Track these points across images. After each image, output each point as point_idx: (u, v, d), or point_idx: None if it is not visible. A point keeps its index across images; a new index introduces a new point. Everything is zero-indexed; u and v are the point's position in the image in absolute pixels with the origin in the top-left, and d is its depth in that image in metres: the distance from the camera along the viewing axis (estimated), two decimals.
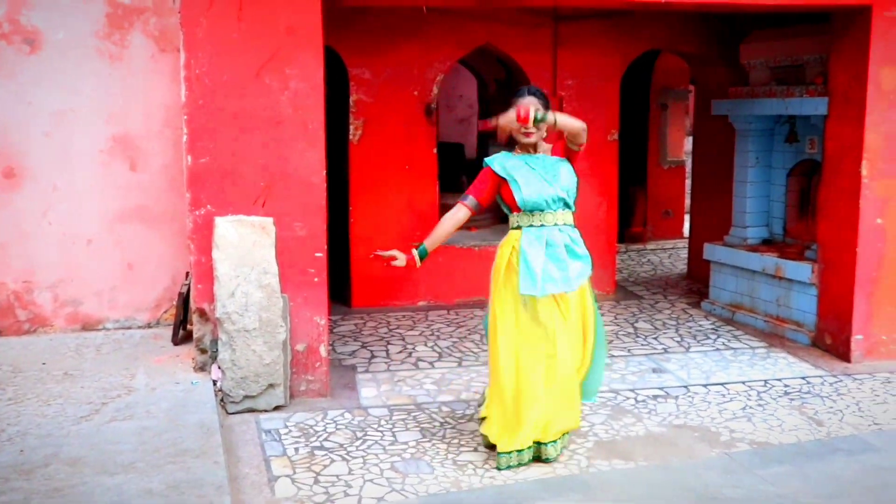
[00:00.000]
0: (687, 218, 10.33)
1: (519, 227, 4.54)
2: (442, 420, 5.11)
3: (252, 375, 5.02)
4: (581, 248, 4.55)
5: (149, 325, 6.35)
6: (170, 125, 6.22)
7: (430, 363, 6.20)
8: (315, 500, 4.08)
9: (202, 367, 5.30)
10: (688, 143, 11.60)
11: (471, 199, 4.63)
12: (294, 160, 5.23)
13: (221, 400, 5.05)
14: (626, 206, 10.94)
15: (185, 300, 5.85)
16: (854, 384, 5.77)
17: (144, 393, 4.98)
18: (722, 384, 5.78)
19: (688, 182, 10.92)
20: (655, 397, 5.51)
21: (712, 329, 7.16)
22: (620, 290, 8.55)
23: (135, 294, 6.33)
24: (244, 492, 4.11)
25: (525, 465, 4.45)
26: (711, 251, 7.65)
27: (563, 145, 4.58)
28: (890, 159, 5.99)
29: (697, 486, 4.18)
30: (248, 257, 5.03)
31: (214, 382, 5.13)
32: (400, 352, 6.46)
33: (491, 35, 7.76)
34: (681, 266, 9.83)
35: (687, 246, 9.58)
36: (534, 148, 4.57)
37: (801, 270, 6.62)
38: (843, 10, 6.00)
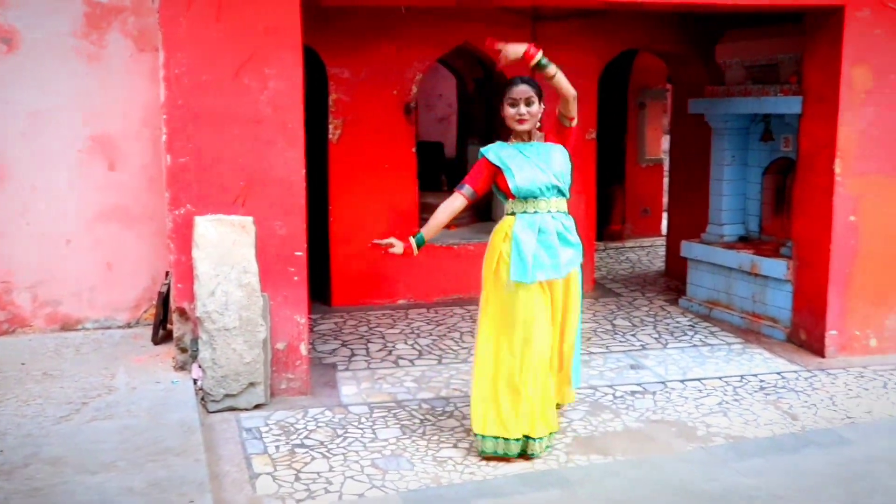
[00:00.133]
0: (665, 216, 10.41)
1: (513, 214, 4.60)
2: (422, 417, 5.14)
3: (232, 374, 5.04)
4: (573, 236, 4.63)
5: (128, 325, 6.35)
6: (148, 125, 6.22)
7: (410, 361, 6.24)
8: (296, 497, 4.11)
9: (182, 367, 5.31)
10: (665, 142, 11.68)
11: (467, 188, 4.68)
12: (273, 159, 5.25)
13: (202, 399, 5.06)
14: (605, 205, 11.02)
15: (164, 300, 5.85)
16: (828, 379, 5.85)
17: (125, 392, 4.99)
18: (699, 380, 5.85)
19: (666, 180, 11.00)
20: (633, 393, 5.57)
21: (689, 326, 7.23)
22: (599, 288, 8.62)
23: (114, 294, 6.33)
24: (225, 489, 4.13)
25: (511, 455, 4.49)
26: (688, 249, 7.73)
27: (556, 129, 4.65)
28: (862, 157, 6.08)
29: (674, 479, 4.23)
30: (228, 256, 5.04)
31: (195, 381, 5.14)
32: (380, 350, 6.49)
33: (470, 34, 7.79)
34: (659, 263, 9.91)
35: (665, 244, 9.66)
36: (528, 136, 4.63)
37: (777, 267, 6.70)
38: (816, 10, 6.08)
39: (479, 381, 4.61)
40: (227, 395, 5.06)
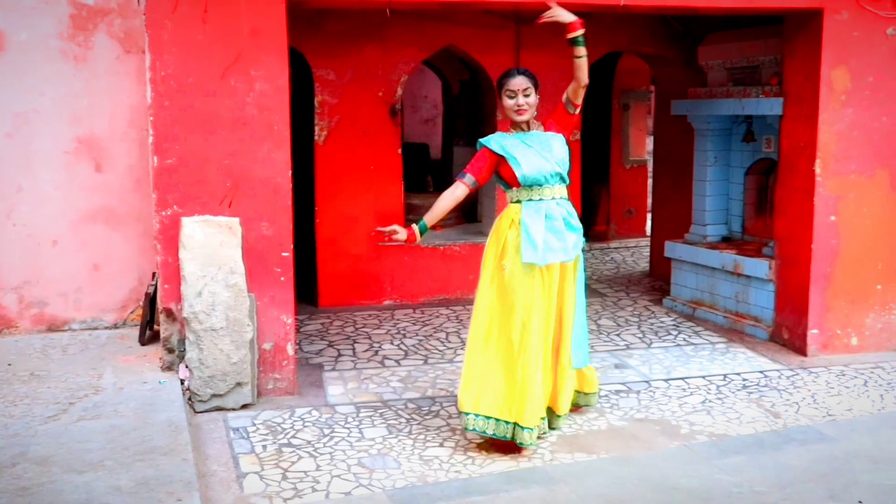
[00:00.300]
0: (649, 216, 10.48)
1: (518, 202, 4.70)
2: (408, 417, 5.18)
3: (220, 374, 5.06)
4: (576, 221, 4.76)
5: (115, 326, 6.36)
6: (135, 126, 6.24)
7: (397, 361, 6.27)
8: (283, 495, 4.13)
9: (170, 367, 5.33)
10: (649, 143, 11.75)
11: (469, 178, 4.76)
12: (260, 161, 5.28)
13: (189, 399, 5.08)
14: (590, 206, 11.07)
15: (151, 300, 5.87)
16: (810, 377, 5.93)
17: (112, 392, 5.00)
18: (682, 379, 5.91)
19: (650, 181, 11.07)
20: (618, 392, 5.62)
21: (673, 325, 7.30)
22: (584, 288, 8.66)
23: (101, 295, 6.34)
24: (212, 488, 4.16)
25: (499, 437, 4.57)
26: (672, 249, 7.80)
27: (558, 117, 4.77)
28: (842, 158, 6.16)
29: (657, 476, 4.29)
30: (215, 257, 5.07)
31: (182, 381, 5.16)
32: (366, 350, 6.53)
33: (454, 37, 7.84)
34: (643, 264, 9.98)
35: (649, 244, 9.72)
36: (526, 126, 4.74)
37: (759, 267, 6.77)
38: (796, 13, 6.15)
39: (473, 359, 4.67)
40: (214, 395, 5.09)
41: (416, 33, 7.73)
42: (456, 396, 5.48)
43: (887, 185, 6.28)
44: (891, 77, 6.16)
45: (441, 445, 4.76)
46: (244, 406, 5.17)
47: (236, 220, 5.20)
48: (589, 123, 9.14)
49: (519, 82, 4.66)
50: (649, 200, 11.06)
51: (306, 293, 7.70)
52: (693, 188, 7.77)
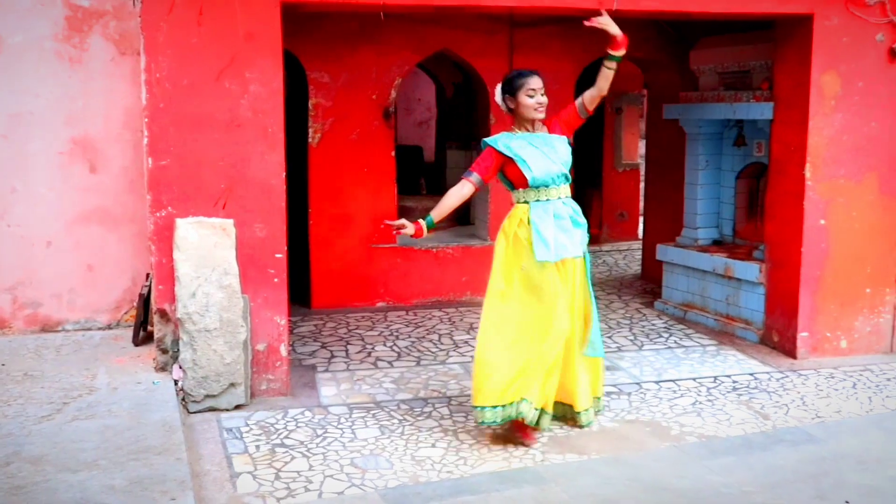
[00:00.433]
0: (641, 220, 10.52)
1: (526, 202, 4.83)
2: (401, 418, 5.21)
3: (213, 375, 5.09)
4: (581, 218, 4.93)
5: (109, 327, 6.38)
6: (129, 127, 6.26)
7: (389, 363, 6.30)
8: (276, 495, 4.16)
9: (163, 367, 5.36)
10: (642, 147, 11.80)
11: (475, 176, 4.86)
12: (254, 163, 5.31)
13: (183, 399, 5.11)
14: (582, 209, 11.02)
15: (145, 301, 5.89)
16: (799, 379, 5.97)
17: (106, 393, 5.03)
18: (673, 381, 5.95)
19: (642, 185, 11.12)
20: (609, 394, 5.64)
21: (665, 328, 7.34)
22: None
23: (95, 295, 6.36)
24: (206, 488, 4.18)
25: (530, 422, 4.72)
26: (663, 252, 7.84)
27: (567, 119, 4.94)
28: (832, 162, 6.21)
29: (647, 476, 4.32)
30: (209, 258, 5.10)
31: (176, 382, 5.18)
32: (359, 352, 6.55)
33: (448, 40, 7.88)
34: (635, 267, 10.02)
35: (641, 247, 9.77)
36: (532, 125, 4.88)
37: (750, 270, 6.82)
38: (786, 18, 6.20)
39: (490, 355, 4.75)
40: (207, 396, 5.11)
41: (410, 36, 7.77)
42: (448, 397, 5.54)
43: (876, 189, 6.34)
44: (880, 82, 6.22)
45: (433, 446, 4.79)
46: (237, 406, 5.19)
47: (230, 221, 5.23)
48: (581, 127, 9.14)
49: (537, 81, 4.82)
50: (641, 204, 11.12)
51: (300, 295, 7.73)
52: (685, 192, 7.82)
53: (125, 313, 6.40)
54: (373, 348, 6.64)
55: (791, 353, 6.41)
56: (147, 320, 5.91)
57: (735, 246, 7.51)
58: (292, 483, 4.29)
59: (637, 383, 5.89)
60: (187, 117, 5.20)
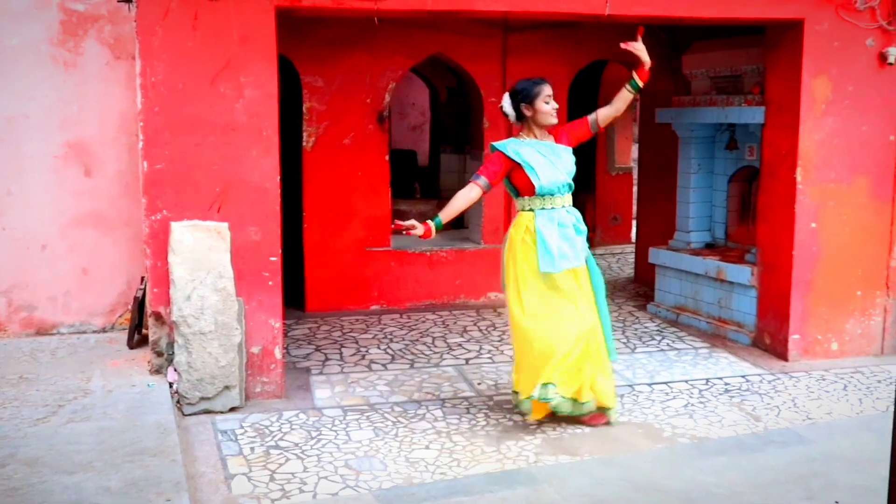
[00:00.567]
0: (634, 223, 10.56)
1: (531, 210, 4.97)
2: (394, 420, 5.24)
3: (208, 377, 5.11)
4: (582, 225, 5.08)
5: (104, 330, 6.40)
6: (124, 131, 6.29)
7: (383, 365, 6.33)
8: (271, 496, 4.19)
9: (158, 370, 5.37)
10: (635, 151, 11.83)
11: (483, 180, 4.99)
12: (249, 166, 5.33)
13: (178, 402, 5.13)
14: None
15: (140, 304, 5.91)
16: (791, 382, 6.01)
17: (101, 395, 5.04)
18: (666, 383, 5.98)
19: (635, 188, 11.16)
20: None
21: (657, 330, 7.38)
22: None
23: (89, 299, 6.38)
24: (201, 489, 4.20)
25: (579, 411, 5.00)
26: (656, 255, 7.88)
27: (576, 132, 5.12)
28: (823, 166, 6.26)
29: (639, 477, 4.36)
30: (204, 261, 5.12)
31: (170, 385, 5.20)
32: (353, 354, 6.58)
33: (442, 45, 7.92)
34: (628, 270, 10.06)
35: (634, 250, 9.80)
36: (539, 133, 5.02)
37: (742, 273, 6.86)
38: (777, 23, 6.25)
39: (520, 354, 4.97)
40: (202, 398, 5.13)
41: (403, 41, 7.81)
42: (442, 400, 5.58)
43: (867, 192, 6.38)
44: (870, 86, 6.27)
45: (427, 448, 4.82)
46: (232, 409, 5.21)
47: (225, 224, 5.25)
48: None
49: (550, 88, 5.05)
50: (634, 207, 11.16)
51: (294, 298, 7.75)
52: (677, 195, 7.85)
53: (120, 316, 6.42)
54: (367, 351, 6.66)
55: (782, 355, 6.45)
56: (142, 323, 5.92)
57: (727, 249, 7.54)
58: (287, 484, 4.32)
59: (630, 385, 5.92)
60: (182, 121, 5.23)
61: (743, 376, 6.13)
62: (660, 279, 7.91)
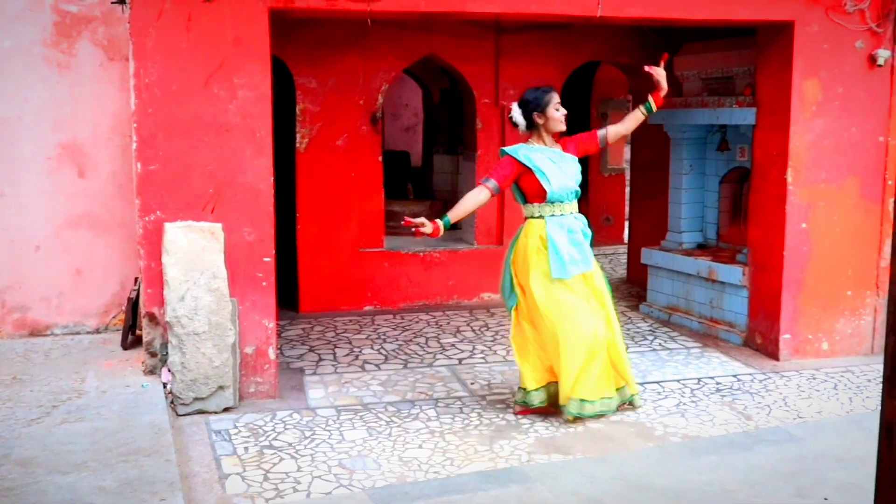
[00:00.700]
0: (627, 224, 10.59)
1: (541, 217, 5.08)
2: (388, 419, 5.26)
3: (202, 378, 5.12)
4: (587, 229, 5.20)
5: (97, 331, 6.41)
6: (118, 132, 6.30)
7: (377, 365, 6.35)
8: (265, 496, 4.21)
9: (152, 371, 5.39)
10: (627, 152, 11.87)
11: (493, 183, 5.08)
12: (242, 167, 5.35)
13: (172, 402, 5.14)
14: None
15: (134, 305, 5.92)
16: (782, 381, 6.05)
17: (95, 396, 5.06)
18: (658, 382, 6.02)
19: (627, 189, 11.19)
20: None
21: (650, 330, 7.42)
22: None
23: (83, 300, 6.39)
24: (195, 489, 4.22)
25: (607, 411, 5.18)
26: (648, 256, 7.91)
27: (583, 145, 5.25)
28: (813, 167, 6.30)
29: (630, 475, 4.38)
30: (198, 262, 5.13)
31: (164, 385, 5.22)
32: (347, 355, 6.60)
33: (435, 46, 7.95)
34: (621, 271, 10.09)
35: (626, 251, 9.84)
36: (548, 140, 5.15)
37: (733, 273, 6.89)
38: (768, 25, 6.29)
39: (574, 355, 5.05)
40: (196, 399, 5.15)
41: (396, 42, 7.83)
42: (435, 400, 5.60)
43: (857, 193, 6.43)
44: (860, 88, 6.31)
45: (420, 447, 4.84)
46: (226, 409, 5.23)
47: (219, 225, 5.27)
48: (567, 132, 9.23)
49: (558, 96, 5.18)
50: (627, 208, 11.20)
51: (288, 298, 7.77)
52: (669, 196, 7.89)
53: (114, 317, 6.43)
54: (360, 351, 6.68)
55: (773, 354, 6.49)
56: (136, 324, 5.94)
57: (719, 249, 7.58)
58: (281, 484, 4.34)
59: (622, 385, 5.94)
60: (176, 122, 5.24)
61: (734, 376, 6.16)
62: (652, 279, 7.94)
